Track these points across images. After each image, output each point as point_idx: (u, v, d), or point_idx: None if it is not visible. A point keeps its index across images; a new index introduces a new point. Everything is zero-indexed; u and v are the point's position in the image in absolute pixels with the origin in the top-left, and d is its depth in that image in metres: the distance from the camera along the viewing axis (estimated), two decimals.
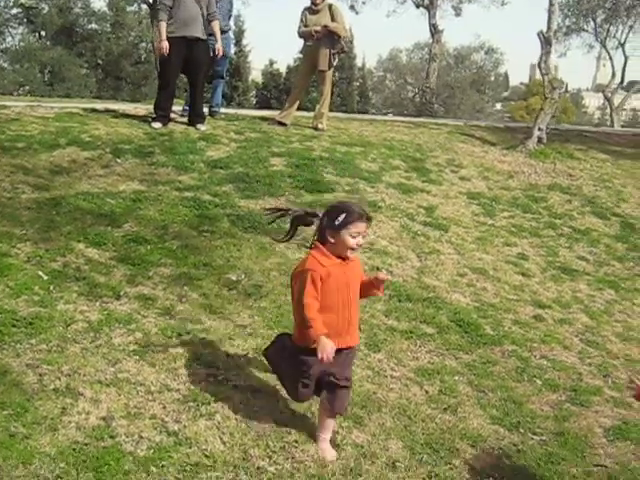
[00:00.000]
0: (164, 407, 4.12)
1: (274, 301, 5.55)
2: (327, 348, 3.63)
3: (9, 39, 44.54)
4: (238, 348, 4.83)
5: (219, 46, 9.58)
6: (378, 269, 6.38)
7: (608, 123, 34.91)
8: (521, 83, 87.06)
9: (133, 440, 3.82)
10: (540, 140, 11.96)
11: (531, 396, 4.93)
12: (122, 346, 4.67)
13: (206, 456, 3.77)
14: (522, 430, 4.50)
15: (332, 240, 3.83)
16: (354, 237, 3.81)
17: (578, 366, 5.53)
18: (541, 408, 4.81)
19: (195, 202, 7.17)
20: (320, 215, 3.95)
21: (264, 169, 8.40)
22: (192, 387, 4.33)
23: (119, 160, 8.13)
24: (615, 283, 7.45)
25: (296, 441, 3.98)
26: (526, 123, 16.59)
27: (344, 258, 3.87)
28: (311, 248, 3.98)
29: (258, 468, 3.74)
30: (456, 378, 4.98)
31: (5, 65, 42.43)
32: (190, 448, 3.81)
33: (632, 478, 4.17)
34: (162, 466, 3.65)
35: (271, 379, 4.50)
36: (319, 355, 3.63)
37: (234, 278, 5.82)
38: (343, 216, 3.79)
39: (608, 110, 36.27)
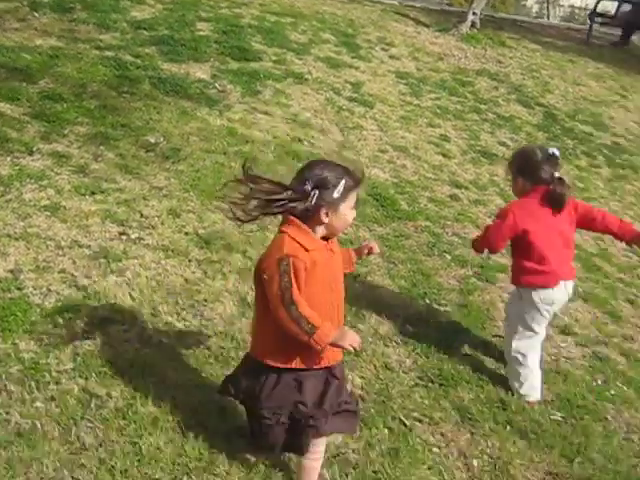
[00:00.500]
0: (74, 262, 4.09)
1: (192, 165, 5.47)
2: (350, 335, 2.69)
3: None
4: (152, 209, 4.78)
5: None
6: (300, 141, 6.36)
7: (545, 17, 34.80)
8: None
9: (41, 293, 3.81)
10: (474, 25, 11.87)
11: (439, 270, 5.07)
12: (33, 202, 4.57)
13: (115, 311, 3.79)
14: (428, 301, 4.65)
15: (326, 219, 2.71)
16: (353, 209, 2.82)
17: None
18: (448, 281, 4.96)
19: (116, 62, 6.92)
20: (309, 189, 2.67)
21: (190, 33, 8.11)
22: (103, 244, 4.30)
23: (37, 14, 7.72)
24: None
25: (205, 300, 4.03)
26: (462, 8, 16.40)
27: (327, 239, 2.81)
28: (283, 224, 2.75)
29: (166, 324, 3.78)
30: None
31: None
32: (99, 302, 3.82)
33: None
34: (69, 319, 3.66)
35: (183, 239, 4.51)
36: (348, 345, 2.65)
37: (152, 140, 5.70)
38: (343, 183, 2.70)
39: (546, 4, 36.04)
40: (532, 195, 3.84)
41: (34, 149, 5.20)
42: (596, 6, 15.13)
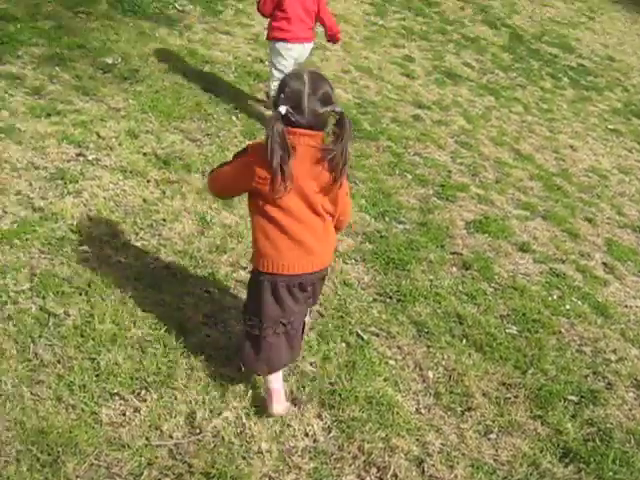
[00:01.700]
0: (30, 184, 4.04)
1: (150, 86, 5.39)
2: None
3: None
4: (110, 130, 4.71)
5: None
6: (261, 62, 6.28)
7: None
8: None
9: None
10: None
11: (400, 189, 5.08)
12: None
13: (72, 231, 3.76)
14: (387, 219, 4.67)
15: None
16: None
17: (449, 164, 5.71)
18: (408, 200, 4.98)
19: None
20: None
21: None
22: (60, 166, 4.24)
23: None
24: (496, 91, 7.59)
25: (164, 219, 4.01)
26: None
27: None
28: None
29: (124, 243, 3.77)
30: None
31: None
32: (56, 223, 3.79)
33: (485, 266, 4.44)
34: (26, 239, 3.62)
35: (142, 161, 4.47)
36: None
37: (110, 61, 5.59)
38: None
39: None
40: None
41: None
42: None
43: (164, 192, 4.24)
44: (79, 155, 4.39)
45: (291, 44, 5.13)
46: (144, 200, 4.13)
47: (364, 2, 8.60)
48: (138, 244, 3.79)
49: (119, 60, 5.64)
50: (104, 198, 4.06)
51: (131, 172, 4.33)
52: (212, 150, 4.77)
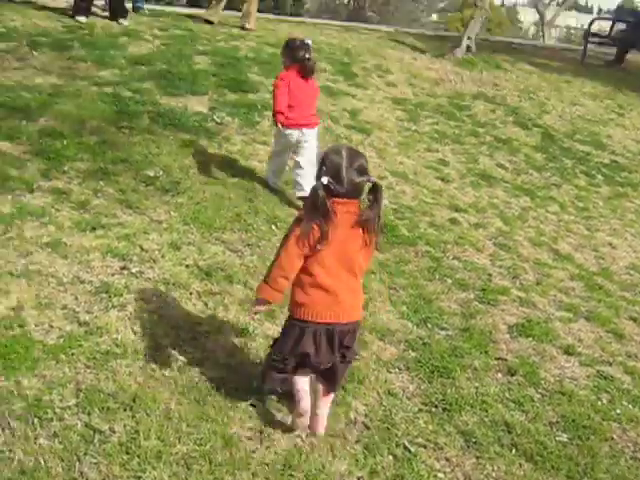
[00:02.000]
0: (76, 298, 4.11)
1: (192, 198, 5.52)
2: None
3: None
4: (153, 242, 4.81)
5: None
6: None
7: (541, 39, 35.05)
8: None
9: (43, 329, 3.82)
10: (469, 49, 11.98)
11: (441, 294, 5.07)
12: (34, 239, 4.60)
13: (117, 345, 3.79)
14: (429, 325, 4.65)
15: None
16: None
17: (489, 267, 5.70)
18: (450, 306, 4.96)
19: (115, 98, 7.00)
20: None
21: (187, 67, 8.21)
22: (105, 279, 4.32)
23: (36, 53, 7.83)
24: (531, 191, 7.64)
25: (207, 332, 4.03)
26: (458, 33, 16.54)
27: None
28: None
29: (168, 357, 3.79)
30: (369, 276, 5.07)
31: None
32: (101, 337, 3.83)
33: (530, 371, 4.37)
34: (72, 354, 3.66)
35: (184, 273, 4.53)
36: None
37: (152, 174, 5.74)
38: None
39: (542, 25, 36.32)
40: (291, 68, 5.71)
41: (35, 186, 5.25)
42: (590, 26, 15.25)
43: (207, 304, 4.28)
44: (123, 268, 4.46)
45: (292, 129, 5.73)
46: (187, 313, 4.17)
47: (397, 109, 8.80)
48: (182, 357, 3.81)
49: (161, 173, 5.80)
50: (148, 311, 4.10)
51: (174, 284, 4.39)
52: (253, 261, 4.83)
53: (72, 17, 9.23)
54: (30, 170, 5.48)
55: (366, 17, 23.68)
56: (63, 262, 4.42)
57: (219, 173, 6.02)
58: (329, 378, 3.36)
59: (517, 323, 4.93)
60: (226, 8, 10.99)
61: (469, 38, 12.03)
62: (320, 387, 3.39)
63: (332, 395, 3.47)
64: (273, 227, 5.39)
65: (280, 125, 5.67)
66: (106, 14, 9.62)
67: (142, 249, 4.71)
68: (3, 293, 4.02)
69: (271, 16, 14.29)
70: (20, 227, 4.70)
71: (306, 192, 4.90)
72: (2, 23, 8.52)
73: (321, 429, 3.44)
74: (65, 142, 5.97)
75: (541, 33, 37.50)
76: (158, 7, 12.61)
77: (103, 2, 10.08)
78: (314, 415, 3.42)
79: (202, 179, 5.83)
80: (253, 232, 5.25)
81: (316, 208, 3.06)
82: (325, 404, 3.44)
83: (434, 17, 65.85)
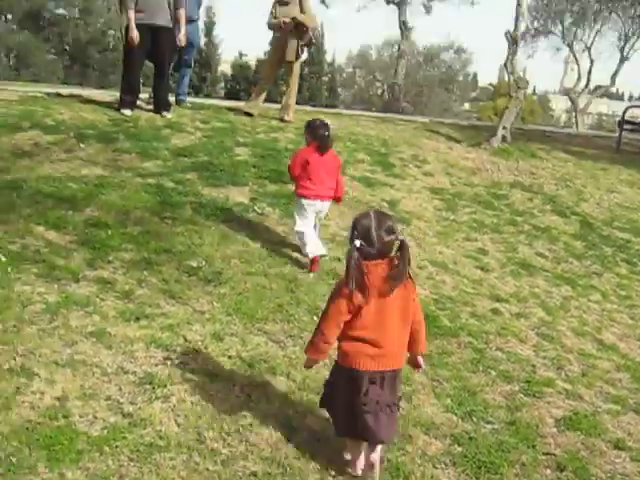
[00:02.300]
0: (120, 389, 4.12)
1: (234, 288, 5.56)
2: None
3: None
4: (196, 333, 4.84)
5: (182, 35, 9.54)
6: (339, 260, 6.43)
7: (574, 126, 35.34)
8: (490, 84, 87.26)
9: (87, 420, 3.83)
10: (504, 139, 12.11)
11: (485, 386, 5.00)
12: (79, 328, 4.66)
13: (160, 437, 3.78)
14: (475, 419, 4.56)
15: None
16: None
17: (532, 358, 5.62)
18: (494, 398, 4.88)
19: (158, 189, 7.16)
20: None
21: (229, 158, 8.40)
22: (148, 370, 4.33)
23: (82, 145, 8.07)
24: (572, 280, 7.57)
25: (251, 424, 4.00)
26: (492, 123, 16.76)
27: None
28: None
29: (212, 450, 3.76)
30: (412, 368, 5.03)
31: None
32: (144, 429, 3.82)
33: (580, 466, 4.25)
34: (116, 446, 3.66)
35: (227, 364, 4.53)
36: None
37: (194, 264, 5.82)
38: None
39: (574, 113, 36.67)
40: (311, 145, 6.28)
41: (80, 276, 5.34)
42: (624, 114, 15.37)
43: (250, 396, 4.26)
44: (167, 359, 4.48)
45: (312, 200, 6.24)
46: (230, 404, 4.15)
47: (434, 198, 8.87)
48: (225, 450, 3.78)
49: (203, 263, 5.87)
50: (191, 403, 4.10)
51: (217, 376, 4.39)
52: (296, 352, 4.82)
53: (118, 110, 9.55)
54: (76, 259, 5.58)
55: (400, 107, 24.06)
56: (107, 352, 4.45)
57: (260, 263, 6.08)
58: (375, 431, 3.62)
59: (564, 416, 4.82)
60: (265, 100, 11.30)
61: (504, 128, 12.17)
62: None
63: (380, 446, 3.76)
64: (315, 318, 5.37)
65: (302, 198, 6.26)
66: (150, 107, 9.93)
67: (185, 340, 4.73)
68: (49, 383, 4.05)
69: (309, 108, 14.65)
70: (66, 316, 4.76)
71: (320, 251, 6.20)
72: (51, 116, 8.83)
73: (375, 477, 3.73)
74: (110, 232, 6.10)
75: (574, 120, 37.86)
76: (198, 100, 13.01)
77: (147, 95, 10.42)
78: (367, 464, 3.75)
79: (244, 269, 5.89)
80: (295, 323, 5.26)
81: (352, 271, 3.45)
82: (376, 452, 3.74)
83: (466, 106, 66.93)
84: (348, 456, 3.78)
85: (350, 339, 3.56)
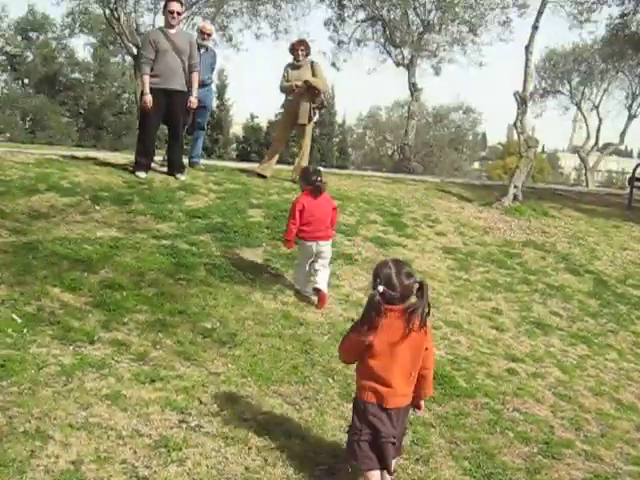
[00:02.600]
0: (135, 452, 4.09)
1: (248, 350, 5.56)
2: None
3: None
4: (211, 395, 4.81)
5: (193, 98, 9.71)
6: (353, 321, 6.41)
7: (584, 183, 35.50)
8: (499, 143, 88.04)
9: None
10: (516, 197, 12.16)
11: (503, 448, 4.94)
12: (94, 391, 4.64)
13: None
14: None
15: None
16: None
17: (550, 419, 5.55)
18: (513, 460, 4.81)
19: (172, 250, 7.21)
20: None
21: (242, 220, 8.46)
22: (164, 433, 4.31)
23: (98, 207, 8.16)
24: (588, 339, 7.52)
25: None
26: (502, 181, 16.84)
27: None
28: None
29: None
30: (429, 429, 4.98)
31: None
32: None
33: None
34: None
35: (244, 427, 4.50)
36: None
37: (209, 326, 5.83)
38: None
39: (584, 171, 36.88)
40: (306, 191, 6.86)
41: (95, 338, 5.35)
42: (635, 171, 15.42)
43: (266, 459, 4.22)
44: (182, 422, 4.46)
45: (311, 242, 6.81)
46: (246, 468, 4.11)
47: (447, 258, 8.88)
48: None
49: (217, 324, 5.88)
50: (207, 466, 4.06)
51: (232, 439, 4.35)
52: (311, 414, 4.78)
53: (132, 173, 9.67)
54: (91, 321, 5.60)
55: (411, 167, 24.24)
56: (122, 415, 4.43)
57: (275, 325, 6.08)
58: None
59: (584, 478, 4.75)
60: (277, 162, 11.43)
61: (515, 186, 12.24)
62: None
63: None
64: (330, 380, 5.36)
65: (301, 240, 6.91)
66: (164, 169, 10.06)
67: (200, 402, 4.71)
68: (63, 446, 4.03)
69: (320, 169, 14.75)
70: (81, 378, 4.76)
71: (319, 284, 6.70)
72: (67, 179, 8.95)
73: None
74: (125, 294, 6.13)
75: (583, 178, 38.02)
76: (211, 162, 13.17)
77: (161, 158, 10.56)
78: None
79: (258, 331, 5.89)
80: (310, 385, 5.23)
81: (371, 312, 3.78)
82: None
83: (476, 165, 67.36)
84: None
85: (365, 375, 3.92)
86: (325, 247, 6.86)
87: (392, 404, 3.86)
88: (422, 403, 4.17)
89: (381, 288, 3.75)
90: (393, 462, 3.96)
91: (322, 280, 6.74)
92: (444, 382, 5.72)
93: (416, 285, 3.82)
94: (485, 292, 8.09)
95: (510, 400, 5.73)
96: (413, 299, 3.81)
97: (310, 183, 6.82)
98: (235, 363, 5.32)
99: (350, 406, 4.99)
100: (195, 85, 9.73)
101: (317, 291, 6.71)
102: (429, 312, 3.84)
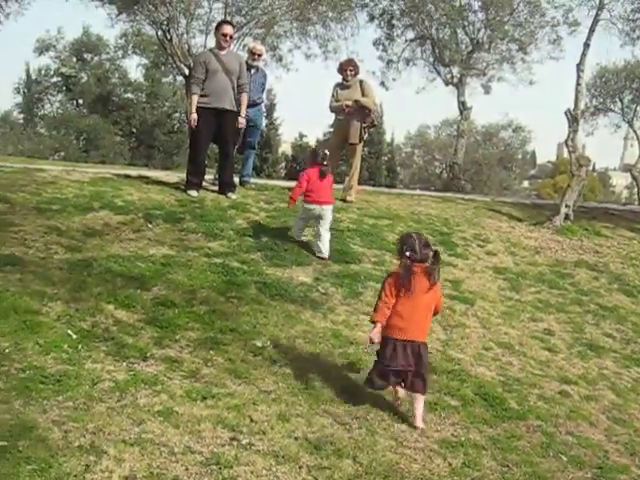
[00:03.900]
0: (186, 469, 4.12)
1: (299, 368, 5.57)
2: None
3: (48, 106, 46.19)
4: (262, 413, 4.83)
5: (242, 118, 9.83)
6: None
7: (636, 202, 34.88)
8: (548, 161, 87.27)
9: None
10: (567, 217, 12.01)
11: (556, 472, 4.86)
12: (147, 407, 4.70)
13: None
14: None
15: None
16: None
17: (604, 443, 5.46)
18: None
19: (223, 268, 7.28)
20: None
21: (292, 238, 8.51)
22: (215, 450, 4.33)
23: (150, 225, 8.29)
24: None
25: None
26: (553, 200, 16.65)
27: None
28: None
29: None
30: (480, 451, 4.94)
31: (43, 131, 43.72)
32: None
33: None
34: None
35: (293, 445, 4.51)
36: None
37: (260, 344, 5.87)
38: None
39: (635, 189, 36.23)
40: (314, 168, 8.18)
41: (148, 354, 5.42)
42: None
43: (316, 478, 4.22)
44: (233, 439, 4.48)
45: (314, 205, 8.19)
46: None
47: (498, 278, 8.81)
48: None
49: (268, 343, 5.92)
50: None
51: (283, 457, 4.36)
52: (362, 434, 4.78)
53: (184, 191, 9.81)
54: (144, 338, 5.68)
55: (460, 186, 24.14)
56: (175, 431, 4.47)
57: (325, 344, 6.10)
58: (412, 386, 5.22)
59: None
60: None
61: (567, 206, 12.09)
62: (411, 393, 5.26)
63: (420, 395, 5.19)
64: (380, 399, 5.35)
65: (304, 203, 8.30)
66: (215, 188, 10.17)
67: (251, 420, 4.73)
68: (117, 461, 4.07)
69: (369, 188, 14.80)
70: (134, 395, 4.82)
71: (324, 254, 8.10)
72: (121, 197, 9.11)
73: (419, 422, 5.11)
74: (177, 311, 6.20)
75: (636, 197, 37.32)
76: (260, 181, 13.28)
77: (212, 177, 10.69)
78: (414, 411, 5.18)
79: (308, 349, 5.91)
80: (360, 404, 5.22)
81: (405, 270, 5.14)
82: (418, 401, 5.18)
83: (525, 184, 66.69)
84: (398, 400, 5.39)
85: (393, 317, 5.15)
86: (327, 211, 8.21)
87: (410, 336, 5.13)
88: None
89: (408, 252, 5.12)
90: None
91: (325, 249, 8.14)
92: (495, 404, 5.67)
93: (431, 253, 5.15)
94: (537, 313, 8.00)
95: (563, 423, 5.65)
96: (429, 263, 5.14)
97: (317, 163, 8.22)
98: (286, 382, 5.34)
99: (402, 426, 5.02)
100: (244, 105, 9.85)
101: (322, 259, 8.07)
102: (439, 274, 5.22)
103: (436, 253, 5.16)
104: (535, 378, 6.37)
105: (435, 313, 5.38)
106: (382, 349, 5.21)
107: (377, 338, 5.18)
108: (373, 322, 5.22)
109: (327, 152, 8.37)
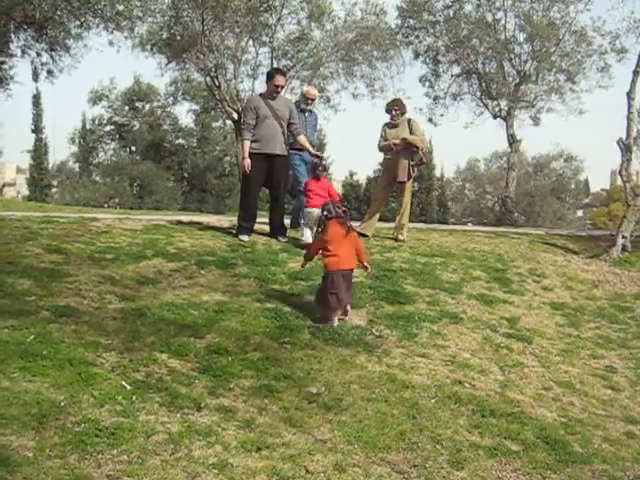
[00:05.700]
0: None
1: (354, 415, 5.48)
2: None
3: (102, 154, 47.38)
4: (318, 464, 4.75)
5: (311, 150, 10.18)
6: (460, 383, 6.28)
7: None
8: (602, 189, 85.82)
9: None
10: (624, 248, 11.75)
11: None
12: (202, 459, 4.65)
13: None
14: None
15: None
16: None
17: None
18: None
19: (276, 313, 7.25)
20: None
21: None
22: None
23: (203, 271, 8.33)
24: None
25: None
26: (609, 230, 16.33)
27: None
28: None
29: None
30: None
31: (97, 179, 44.75)
32: None
33: None
34: None
35: None
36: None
37: (314, 391, 5.79)
38: None
39: None
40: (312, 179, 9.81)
41: (202, 404, 5.38)
42: None
43: None
44: None
45: (313, 209, 9.22)
46: None
47: (555, 314, 8.62)
48: None
49: (323, 389, 5.84)
50: None
51: None
52: None
53: (235, 236, 9.87)
54: (198, 387, 5.65)
55: (513, 219, 23.86)
56: None
57: (380, 388, 5.99)
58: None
59: None
60: (379, 220, 11.45)
61: (624, 237, 11.83)
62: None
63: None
64: (438, 446, 5.22)
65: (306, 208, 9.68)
66: (267, 231, 10.21)
67: (307, 471, 4.65)
68: None
69: (421, 225, 14.73)
70: (188, 447, 4.78)
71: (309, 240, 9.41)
72: (173, 244, 9.20)
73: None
74: (230, 359, 6.17)
75: None
76: None
77: (264, 220, 10.73)
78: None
79: (364, 395, 5.81)
80: (418, 452, 5.10)
81: (323, 224, 7.43)
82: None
83: (579, 213, 65.69)
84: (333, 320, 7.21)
85: (328, 256, 7.28)
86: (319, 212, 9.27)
87: (344, 267, 7.22)
88: (366, 264, 7.64)
89: (325, 212, 7.34)
90: (347, 306, 7.37)
91: (307, 235, 9.57)
92: (558, 447, 5.49)
93: (341, 211, 7.32)
94: (597, 349, 7.78)
95: (630, 467, 5.43)
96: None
97: (314, 174, 9.73)
98: (341, 429, 5.25)
99: (461, 474, 4.88)
100: (307, 144, 10.08)
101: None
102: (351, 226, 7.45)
103: (346, 211, 7.40)
104: (598, 419, 6.17)
105: (361, 261, 7.48)
106: (327, 282, 7.23)
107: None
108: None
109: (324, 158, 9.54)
